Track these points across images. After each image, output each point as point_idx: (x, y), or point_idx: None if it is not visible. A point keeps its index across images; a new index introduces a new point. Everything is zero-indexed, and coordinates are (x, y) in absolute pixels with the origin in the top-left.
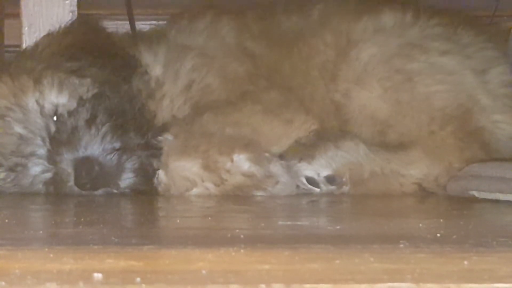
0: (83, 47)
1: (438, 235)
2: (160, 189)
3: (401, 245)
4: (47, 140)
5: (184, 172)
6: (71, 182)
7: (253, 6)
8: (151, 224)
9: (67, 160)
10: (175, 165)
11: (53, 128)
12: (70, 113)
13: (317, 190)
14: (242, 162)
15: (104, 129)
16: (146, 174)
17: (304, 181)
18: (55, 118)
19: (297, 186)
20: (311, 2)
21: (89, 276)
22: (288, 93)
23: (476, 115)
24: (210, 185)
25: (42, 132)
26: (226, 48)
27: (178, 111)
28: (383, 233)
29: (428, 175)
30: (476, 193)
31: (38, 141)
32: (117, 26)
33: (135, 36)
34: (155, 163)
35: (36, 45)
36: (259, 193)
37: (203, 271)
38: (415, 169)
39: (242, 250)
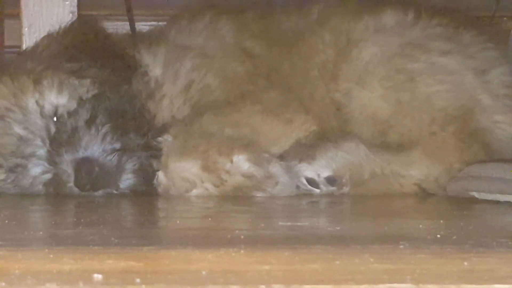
0: (83, 48)
1: (438, 235)
2: (160, 189)
3: (401, 246)
4: (47, 141)
5: (183, 172)
6: (71, 183)
7: (252, 6)
8: (151, 225)
9: (67, 161)
10: (175, 165)
11: (53, 129)
12: (70, 114)
13: (317, 190)
14: (241, 162)
15: (104, 129)
16: (146, 175)
17: (304, 181)
18: (55, 118)
19: (297, 187)
20: (310, 2)
21: (89, 277)
22: (287, 93)
23: (477, 115)
24: (209, 186)
25: (42, 132)
26: (225, 48)
27: (178, 111)
28: (383, 233)
29: (428, 176)
30: (476, 194)
31: (38, 142)
32: (117, 26)
33: (134, 36)
34: (155, 164)
35: (36, 45)
36: (259, 193)
37: (203, 272)
38: (416, 170)
39: (242, 251)
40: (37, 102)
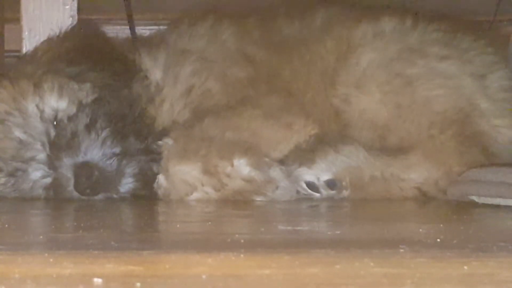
0: (83, 52)
1: (438, 239)
2: (160, 193)
3: (401, 250)
4: (47, 145)
5: (184, 176)
6: (71, 187)
7: (253, 11)
8: (151, 229)
9: (67, 165)
10: (175, 169)
11: (53, 133)
12: (70, 118)
13: (317, 195)
14: (242, 166)
15: (104, 134)
16: (146, 179)
17: (304, 185)
18: (55, 123)
19: (297, 191)
20: (312, 8)
21: (89, 281)
22: (288, 98)
23: (476, 119)
24: (210, 190)
25: (42, 137)
26: (226, 53)
27: (178, 115)
28: (383, 237)
29: (428, 179)
30: (476, 198)
31: (38, 146)
32: (117, 31)
33: (135, 41)
34: (155, 168)
35: (36, 50)
36: (259, 198)
37: (203, 276)
38: (415, 173)
39: (242, 255)
40: (37, 106)
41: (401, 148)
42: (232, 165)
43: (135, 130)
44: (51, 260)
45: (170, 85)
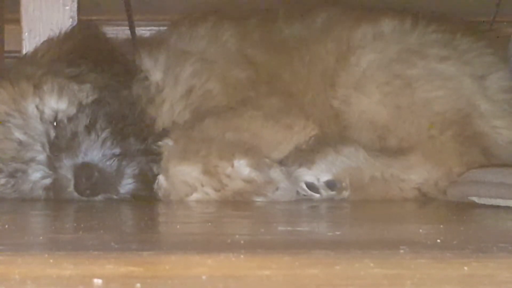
0: (83, 53)
1: (438, 240)
2: (160, 194)
3: (401, 251)
4: (47, 146)
5: (184, 176)
6: (71, 188)
7: (253, 12)
8: (151, 230)
9: (67, 166)
10: (175, 170)
11: (53, 134)
12: (70, 119)
13: (317, 195)
14: (242, 167)
15: (103, 135)
16: (146, 180)
17: (304, 186)
18: (55, 123)
19: (297, 192)
20: (312, 9)
21: (89, 282)
22: (288, 99)
23: (475, 120)
24: (210, 190)
25: (42, 138)
26: (227, 54)
27: (178, 116)
28: (383, 238)
29: (428, 180)
30: (476, 199)
31: (38, 147)
32: (117, 32)
33: (135, 41)
34: (155, 169)
35: (36, 50)
36: (259, 198)
37: (203, 277)
38: (415, 174)
39: (242, 256)
40: (37, 107)
41: (401, 149)
42: (232, 166)
43: (135, 131)
44: (51, 261)
45: (170, 86)
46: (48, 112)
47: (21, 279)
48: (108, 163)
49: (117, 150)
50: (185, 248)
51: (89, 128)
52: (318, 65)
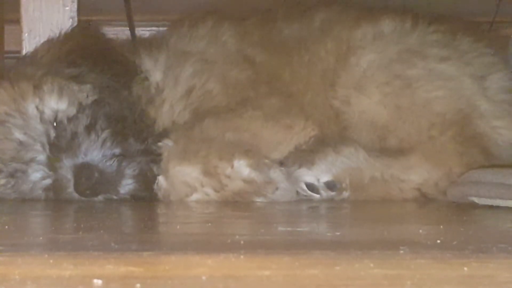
0: (83, 53)
1: (438, 241)
2: (160, 194)
3: (401, 251)
4: (47, 146)
5: (184, 177)
6: (71, 188)
7: (254, 13)
8: (151, 230)
9: (67, 167)
10: (175, 170)
11: (53, 134)
12: (70, 119)
13: (317, 196)
14: (242, 168)
15: (103, 135)
16: (146, 180)
17: (304, 187)
18: (55, 124)
19: (297, 192)
20: (311, 9)
21: (89, 282)
22: (288, 99)
23: (475, 120)
24: (210, 191)
25: (42, 138)
26: (226, 54)
27: (178, 116)
28: (383, 239)
29: (428, 180)
30: (476, 199)
31: (38, 147)
32: (117, 32)
33: (135, 42)
34: (155, 169)
35: (36, 51)
36: (259, 199)
37: (203, 277)
38: (415, 174)
39: (242, 256)
40: (37, 107)
41: (401, 149)
42: (232, 166)
43: (135, 131)
44: (51, 261)
45: (170, 86)
46: (48, 113)
47: (21, 279)
48: (108, 163)
49: (117, 151)
50: (185, 249)
51: (89, 129)
52: (317, 65)
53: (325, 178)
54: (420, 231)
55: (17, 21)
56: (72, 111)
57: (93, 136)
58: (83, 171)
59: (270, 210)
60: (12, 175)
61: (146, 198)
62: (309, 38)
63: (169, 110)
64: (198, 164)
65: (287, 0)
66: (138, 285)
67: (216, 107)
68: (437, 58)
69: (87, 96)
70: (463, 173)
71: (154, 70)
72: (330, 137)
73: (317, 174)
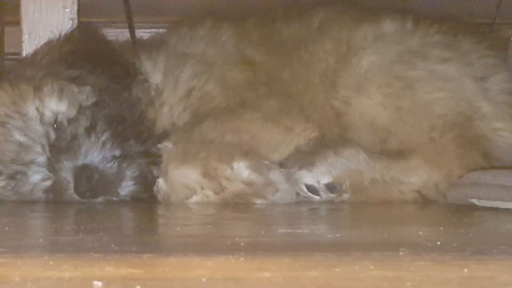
0: (83, 55)
1: (438, 242)
2: (160, 196)
3: (401, 253)
4: (47, 148)
5: (183, 179)
6: (71, 190)
7: (253, 14)
8: (151, 232)
9: (67, 168)
10: (175, 172)
11: (53, 136)
12: (70, 121)
13: (317, 197)
14: (241, 169)
15: (103, 137)
16: (146, 182)
17: (304, 188)
18: (55, 125)
19: (297, 194)
20: (311, 10)
21: (89, 284)
22: (288, 101)
23: (476, 122)
24: (209, 193)
25: (42, 139)
26: (226, 56)
27: (178, 118)
28: (383, 240)
29: (428, 182)
30: (476, 201)
31: (38, 148)
32: (117, 34)
33: (135, 44)
34: (155, 171)
35: (36, 52)
36: (259, 200)
37: (203, 279)
38: (415, 176)
39: (242, 258)
40: (37, 109)
41: (402, 151)
42: (232, 168)
43: (135, 133)
44: (51, 263)
45: (170, 88)
46: (48, 114)
47: (21, 281)
48: (108, 165)
49: (117, 152)
50: (185, 250)
51: (89, 130)
52: (317, 66)
53: (325, 179)
54: (420, 232)
55: (17, 23)
56: (72, 112)
57: (93, 137)
58: (83, 172)
59: (270, 212)
60: (12, 176)
61: (146, 200)
62: (309, 39)
63: (168, 112)
64: (198, 166)
65: (286, 0)
66: (138, 286)
67: (215, 108)
68: (438, 59)
69: (87, 98)
70: (464, 175)
71: (154, 71)
72: (330, 138)
73: (317, 176)
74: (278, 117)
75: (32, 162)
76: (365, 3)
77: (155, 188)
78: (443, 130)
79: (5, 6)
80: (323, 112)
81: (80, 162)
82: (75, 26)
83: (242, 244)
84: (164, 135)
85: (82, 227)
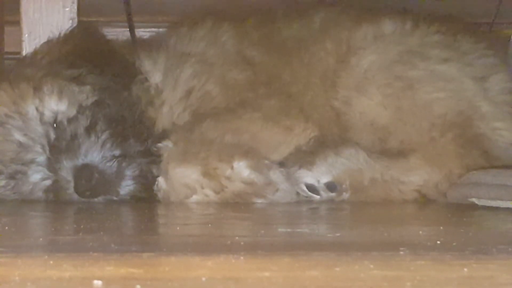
0: (83, 54)
1: (438, 242)
2: (159, 196)
3: (401, 252)
4: (47, 147)
5: (184, 179)
6: (71, 190)
7: (253, 14)
8: (151, 231)
9: (66, 168)
10: (175, 172)
11: (53, 136)
12: (70, 121)
13: (317, 197)
14: (242, 169)
15: (103, 136)
16: (146, 181)
17: (304, 188)
18: (55, 125)
19: (297, 193)
20: (311, 10)
21: (89, 283)
22: (288, 100)
23: (476, 122)
24: (209, 192)
25: (42, 139)
26: (226, 55)
27: (178, 118)
28: (383, 240)
29: (428, 182)
30: (476, 200)
31: (38, 148)
32: (117, 33)
33: (135, 43)
34: (154, 170)
35: (36, 52)
36: (259, 200)
37: (203, 278)
38: (415, 176)
39: (242, 257)
40: (37, 108)
41: (402, 150)
42: (232, 168)
43: (135, 133)
44: (51, 262)
45: (170, 87)
46: (48, 114)
47: (21, 280)
48: (108, 164)
49: (117, 152)
50: (185, 250)
51: (89, 130)
52: (317, 66)
53: (325, 179)
54: (420, 232)
55: (17, 23)
56: (72, 112)
57: (93, 137)
58: (83, 172)
59: (270, 211)
60: (12, 176)
61: (146, 200)
62: (309, 39)
63: (168, 111)
64: (198, 166)
65: (286, 0)
66: (138, 286)
67: (215, 108)
68: (438, 59)
69: (87, 97)
70: (464, 174)
71: (154, 71)
72: (330, 138)
73: (317, 175)
74: (278, 117)
75: (32, 161)
76: (365, 3)
77: (155, 188)
78: (443, 130)
79: (5, 5)
80: (323, 112)
81: (80, 161)
82: (75, 25)
83: (242, 243)
84: (164, 135)
85: (82, 227)
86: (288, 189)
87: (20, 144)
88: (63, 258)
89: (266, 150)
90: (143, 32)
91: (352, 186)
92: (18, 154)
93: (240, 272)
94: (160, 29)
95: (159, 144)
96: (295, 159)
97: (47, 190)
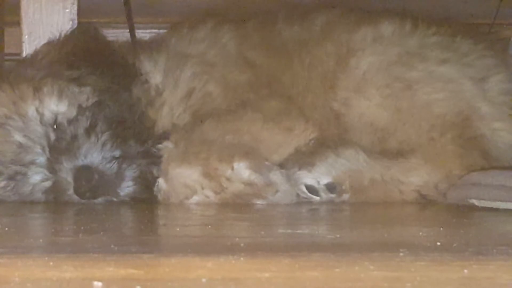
0: (83, 56)
1: (438, 243)
2: (160, 197)
3: (401, 253)
4: (47, 148)
5: (184, 179)
6: (71, 191)
7: (253, 15)
8: (151, 232)
9: (66, 169)
10: (175, 172)
11: (52, 137)
12: (70, 122)
13: (317, 198)
14: (242, 170)
15: (103, 137)
16: (146, 182)
17: (304, 189)
18: (55, 126)
19: (297, 194)
20: (311, 12)
21: (89, 284)
22: (288, 102)
23: (475, 122)
24: (210, 193)
25: (41, 140)
26: (226, 57)
27: (178, 119)
28: (383, 241)
29: (428, 182)
30: (476, 201)
31: (38, 149)
32: (117, 34)
33: (135, 44)
34: (155, 171)
35: (36, 53)
36: (259, 201)
37: (203, 279)
38: (415, 176)
39: (242, 258)
40: (37, 109)
41: (401, 151)
42: (232, 169)
43: (135, 134)
44: (51, 263)
45: (170, 88)
46: (48, 115)
47: (21, 281)
48: (108, 165)
49: (117, 153)
50: (185, 251)
51: (89, 131)
52: (318, 68)
53: (325, 180)
54: (420, 233)
55: (17, 24)
56: (72, 113)
57: (93, 138)
58: (83, 173)
59: (270, 212)
60: (12, 177)
61: (146, 200)
62: (309, 41)
63: (169, 112)
64: (198, 166)
65: (287, 2)
66: (138, 287)
67: (216, 109)
68: (437, 60)
69: (87, 98)
70: (463, 175)
71: (154, 72)
72: (330, 139)
73: (317, 176)
74: (278, 118)
75: (32, 162)
76: (364, 5)
77: (155, 189)
78: (443, 130)
79: (5, 6)
80: (323, 113)
81: (80, 162)
82: (75, 26)
83: (242, 244)
84: (164, 136)
85: (82, 228)
86: (288, 190)
87: (20, 145)
88: (63, 259)
89: (267, 151)
90: (143, 33)
91: (352, 186)
92: (18, 155)
93: (240, 273)
94: (161, 30)
95: (159, 145)
96: (295, 160)
97: (47, 191)
